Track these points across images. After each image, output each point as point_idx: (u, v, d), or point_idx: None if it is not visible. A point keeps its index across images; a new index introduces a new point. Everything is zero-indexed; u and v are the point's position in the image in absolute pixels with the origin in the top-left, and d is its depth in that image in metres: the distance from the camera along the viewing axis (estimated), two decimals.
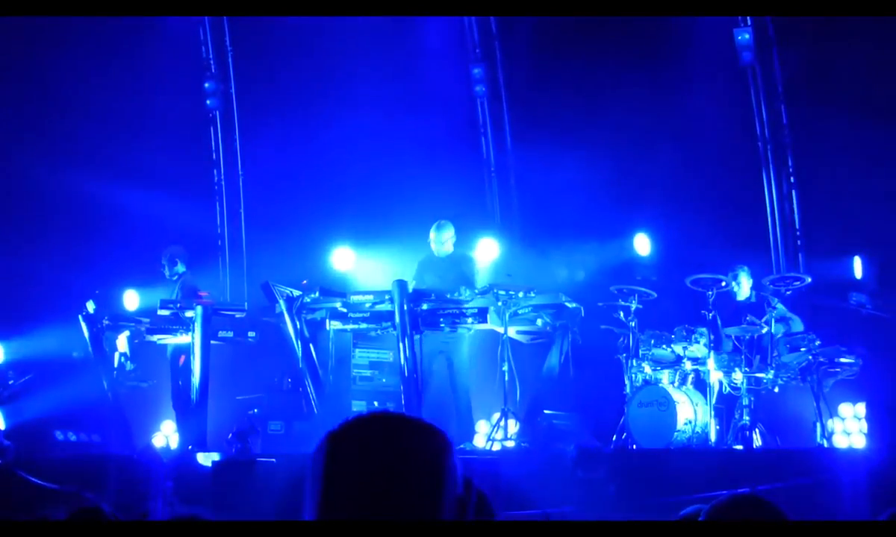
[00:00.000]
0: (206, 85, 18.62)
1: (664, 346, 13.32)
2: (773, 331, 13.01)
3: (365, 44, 16.87)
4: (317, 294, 14.09)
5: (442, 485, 2.49)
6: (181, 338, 14.19)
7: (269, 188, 17.64)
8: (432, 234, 14.47)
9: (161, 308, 14.10)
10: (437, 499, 2.47)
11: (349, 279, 15.49)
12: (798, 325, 13.44)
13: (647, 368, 13.30)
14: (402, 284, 13.61)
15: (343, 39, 16.81)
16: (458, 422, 13.71)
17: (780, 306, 13.27)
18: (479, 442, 14.02)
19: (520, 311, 13.87)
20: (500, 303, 13.65)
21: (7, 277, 16.23)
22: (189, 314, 13.93)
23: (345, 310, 13.96)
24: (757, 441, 12.59)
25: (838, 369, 12.98)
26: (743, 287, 13.81)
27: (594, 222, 15.48)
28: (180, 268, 15.06)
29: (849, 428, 13.32)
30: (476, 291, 13.86)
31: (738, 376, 12.91)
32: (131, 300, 15.25)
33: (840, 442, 13.07)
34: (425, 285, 13.98)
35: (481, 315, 13.57)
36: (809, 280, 13.52)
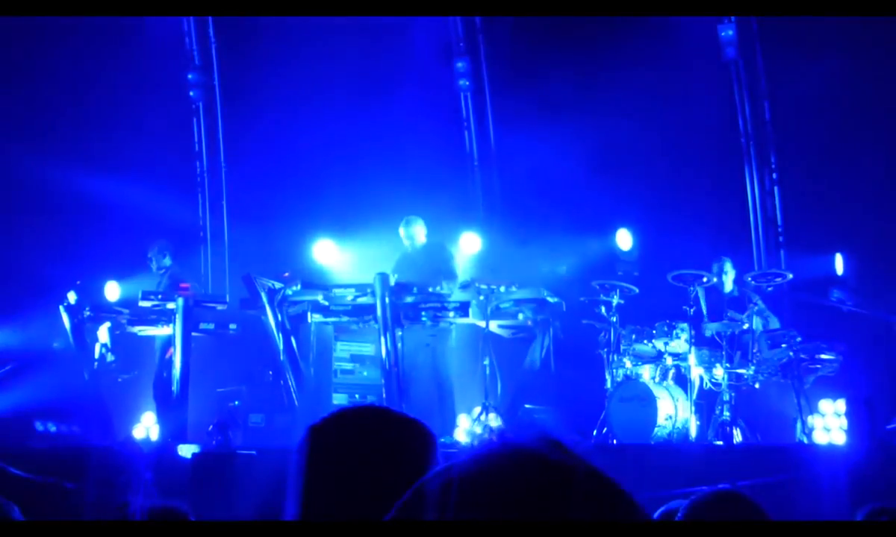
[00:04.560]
0: (189, 76, 18.58)
1: (645, 342, 13.33)
2: (753, 326, 13.05)
3: (349, 36, 16.84)
4: (298, 286, 14.07)
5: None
6: (163, 330, 14.17)
7: (251, 180, 17.60)
8: (402, 231, 14.50)
9: (142, 299, 14.08)
10: None
11: (331, 272, 15.48)
12: (775, 324, 13.49)
13: (628, 363, 13.31)
14: (383, 277, 13.59)
15: (327, 32, 16.77)
16: (441, 416, 13.72)
17: (760, 303, 13.33)
18: (461, 435, 14.02)
19: (501, 306, 13.89)
20: (481, 298, 13.65)
21: None
22: (171, 306, 13.91)
23: (326, 303, 13.95)
24: (737, 437, 12.61)
25: (819, 365, 13.01)
26: (729, 278, 13.83)
27: (576, 217, 15.50)
28: (167, 261, 15.04)
29: (829, 424, 13.34)
30: (457, 281, 13.88)
31: (719, 372, 12.94)
32: (113, 291, 15.21)
33: (820, 438, 13.09)
34: (405, 280, 13.98)
35: (463, 309, 13.57)
36: (791, 276, 13.55)
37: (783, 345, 12.93)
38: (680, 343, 13.14)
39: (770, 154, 16.27)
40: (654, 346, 13.31)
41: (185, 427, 13.72)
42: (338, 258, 15.68)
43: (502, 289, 13.80)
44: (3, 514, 4.63)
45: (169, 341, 14.24)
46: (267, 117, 17.63)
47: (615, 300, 13.45)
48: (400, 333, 13.61)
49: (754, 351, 12.98)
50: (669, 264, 13.60)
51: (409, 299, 13.60)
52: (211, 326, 14.28)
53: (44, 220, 16.49)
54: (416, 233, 14.47)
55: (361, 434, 2.52)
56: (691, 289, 13.26)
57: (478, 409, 13.77)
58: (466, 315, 13.59)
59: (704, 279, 13.37)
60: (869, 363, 12.97)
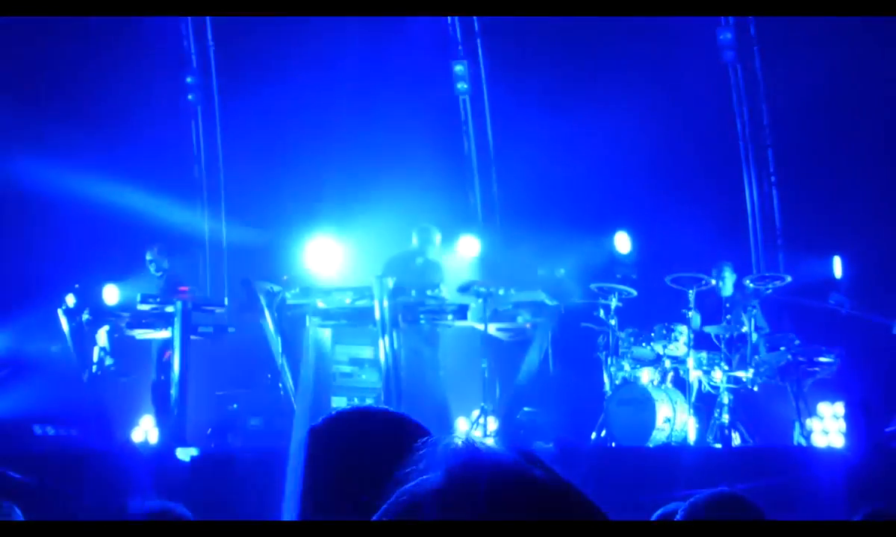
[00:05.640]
0: (188, 79, 18.56)
1: (644, 345, 13.34)
2: (752, 330, 13.05)
3: (348, 39, 16.84)
4: (297, 290, 14.07)
5: None
6: (162, 333, 14.16)
7: (250, 182, 17.58)
8: (416, 236, 14.50)
9: (141, 302, 14.07)
10: None
11: (330, 275, 15.47)
12: (765, 330, 13.49)
13: (627, 366, 13.31)
14: (382, 281, 13.59)
15: (326, 34, 16.78)
16: (436, 419, 13.71)
17: (757, 307, 13.33)
18: None
19: (500, 309, 13.89)
20: (480, 301, 13.66)
21: None
22: (169, 309, 13.90)
23: (325, 306, 13.94)
24: (736, 440, 12.62)
25: (817, 368, 13.02)
26: (728, 283, 13.83)
27: (575, 220, 15.49)
28: (165, 263, 15.03)
29: (827, 427, 13.35)
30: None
31: (718, 375, 12.95)
32: (111, 294, 15.20)
33: (818, 441, 13.10)
34: (400, 282, 13.98)
35: (461, 312, 13.57)
36: (789, 279, 13.56)
37: (782, 348, 12.95)
38: (678, 346, 13.14)
39: (768, 157, 16.28)
40: (652, 349, 13.32)
41: (183, 430, 13.72)
42: (336, 261, 15.67)
43: (501, 291, 13.81)
44: (6, 515, 4.64)
45: (166, 344, 14.25)
46: (265, 120, 17.61)
47: (614, 303, 13.45)
48: (398, 335, 13.61)
49: (753, 354, 12.99)
50: (668, 267, 13.61)
51: (408, 302, 13.60)
52: (210, 329, 14.27)
53: (42, 223, 16.48)
54: (433, 243, 14.50)
55: (360, 435, 2.52)
56: (690, 291, 13.28)
57: (476, 412, 13.77)
58: (465, 318, 13.59)
59: (703, 282, 13.38)
60: (867, 366, 12.98)
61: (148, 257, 15.03)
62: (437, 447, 1.74)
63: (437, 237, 14.59)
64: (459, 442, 1.73)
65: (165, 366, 14.23)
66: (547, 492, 1.67)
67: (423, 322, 13.64)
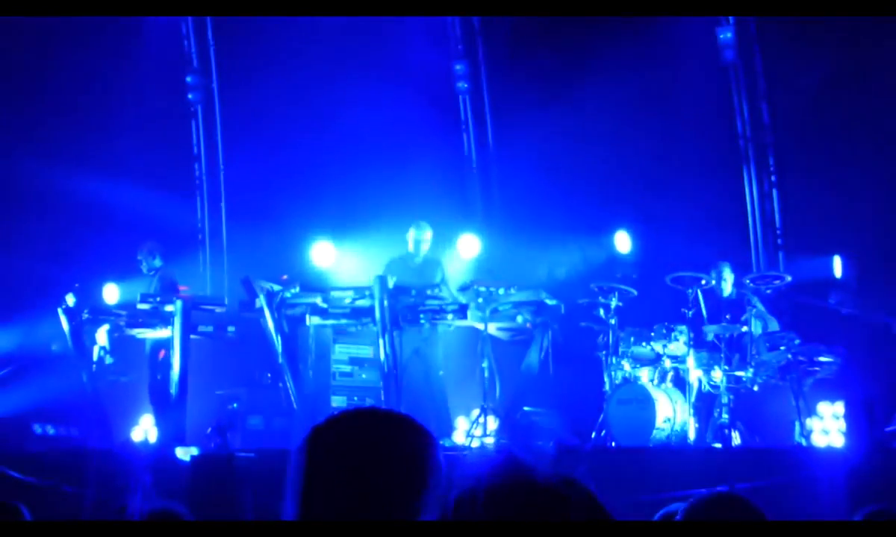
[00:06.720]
0: (188, 79, 18.56)
1: (644, 344, 13.33)
2: (752, 329, 13.05)
3: (347, 39, 16.85)
4: (297, 289, 14.05)
5: (426, 481, 2.49)
6: (160, 332, 14.14)
7: (250, 183, 17.59)
8: (412, 233, 14.50)
9: (140, 302, 14.06)
10: (421, 495, 2.47)
11: (330, 274, 15.48)
12: (774, 326, 13.49)
13: (627, 366, 13.31)
14: (382, 280, 13.59)
15: (325, 34, 16.78)
16: (436, 419, 13.71)
17: (759, 305, 13.33)
18: (459, 438, 14.02)
19: (500, 308, 13.88)
20: (480, 300, 13.65)
21: None
22: (169, 308, 13.89)
23: (325, 306, 13.94)
24: (736, 439, 12.62)
25: (817, 368, 13.02)
26: (727, 283, 13.82)
27: (575, 219, 15.51)
28: (157, 262, 15.00)
29: (827, 426, 13.34)
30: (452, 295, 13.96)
31: (718, 374, 12.94)
32: (111, 293, 15.20)
33: (818, 440, 13.09)
34: (402, 282, 13.99)
35: (462, 311, 13.57)
36: (790, 279, 13.56)
37: (782, 348, 12.94)
38: (678, 345, 13.14)
39: (769, 156, 16.28)
40: (652, 349, 13.31)
41: (183, 429, 13.71)
42: (336, 260, 15.68)
43: (501, 291, 13.80)
44: (13, 516, 4.64)
45: (159, 343, 14.24)
46: (265, 119, 17.62)
47: (614, 302, 13.45)
48: (398, 334, 13.61)
49: (753, 353, 12.98)
50: (668, 266, 13.61)
51: (408, 301, 13.60)
52: (209, 329, 14.27)
53: (42, 223, 16.49)
54: (427, 238, 14.50)
55: (361, 435, 2.52)
56: (690, 291, 13.28)
57: (476, 412, 13.77)
58: (465, 317, 13.60)
59: (703, 281, 13.38)
60: (867, 365, 12.97)
61: (139, 258, 15.04)
62: (475, 454, 1.81)
63: (427, 233, 14.55)
64: (497, 453, 1.80)
65: (161, 365, 14.22)
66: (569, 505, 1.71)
67: (423, 321, 13.65)
